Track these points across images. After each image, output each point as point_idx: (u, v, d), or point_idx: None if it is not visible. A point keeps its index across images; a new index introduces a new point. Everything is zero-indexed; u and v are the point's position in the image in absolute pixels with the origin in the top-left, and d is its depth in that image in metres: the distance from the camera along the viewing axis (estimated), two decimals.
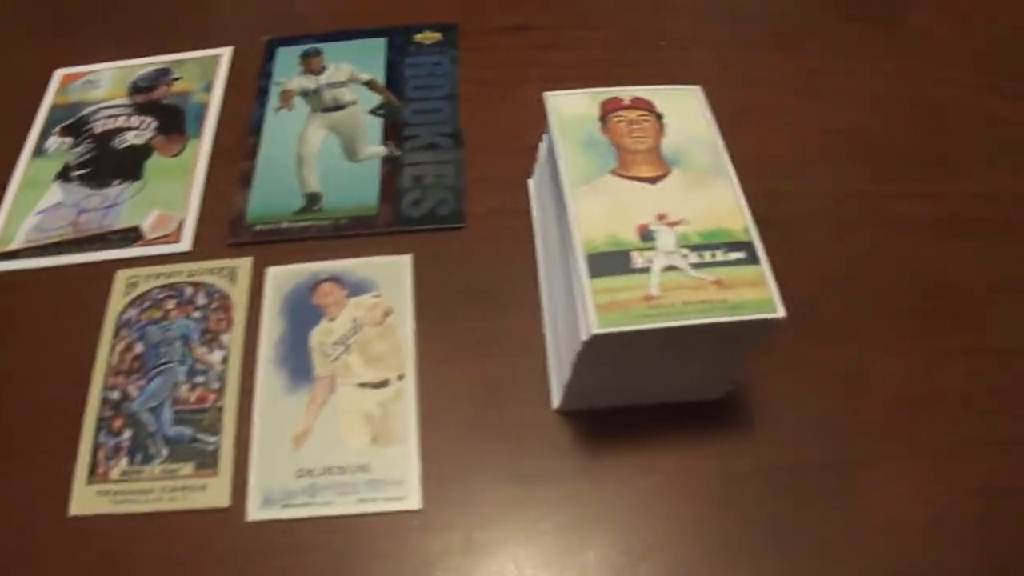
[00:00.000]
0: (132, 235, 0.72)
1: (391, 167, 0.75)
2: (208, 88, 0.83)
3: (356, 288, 0.68)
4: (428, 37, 0.86)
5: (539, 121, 0.63)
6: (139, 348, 0.66)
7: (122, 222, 0.73)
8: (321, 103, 0.81)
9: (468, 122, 0.79)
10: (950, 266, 0.69)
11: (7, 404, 0.64)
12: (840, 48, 0.86)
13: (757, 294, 0.52)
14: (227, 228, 0.72)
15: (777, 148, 0.75)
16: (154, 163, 0.77)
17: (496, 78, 0.83)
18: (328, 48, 0.85)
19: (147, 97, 0.83)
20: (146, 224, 0.73)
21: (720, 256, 0.54)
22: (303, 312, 0.67)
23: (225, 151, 0.78)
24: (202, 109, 0.81)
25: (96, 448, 0.61)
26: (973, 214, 0.73)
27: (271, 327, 0.66)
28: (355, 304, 0.67)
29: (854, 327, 0.66)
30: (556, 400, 0.62)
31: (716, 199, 0.56)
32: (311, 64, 0.84)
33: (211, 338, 0.66)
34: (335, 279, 0.68)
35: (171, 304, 0.68)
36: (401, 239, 0.71)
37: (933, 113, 0.80)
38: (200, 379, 0.64)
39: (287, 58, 0.85)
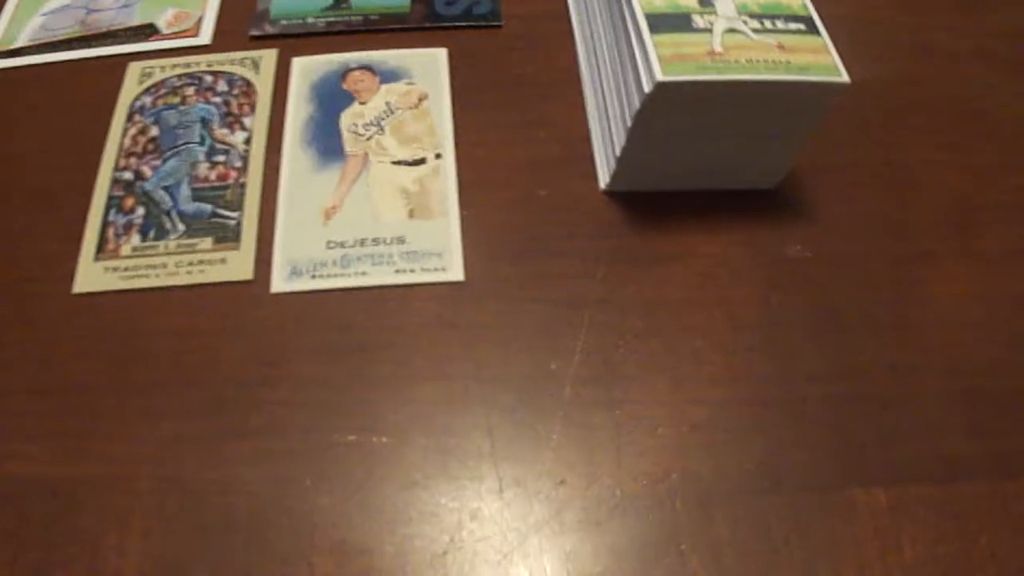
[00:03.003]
0: (146, 31, 0.68)
1: None
2: None
3: (388, 76, 0.64)
4: None
5: None
6: (154, 131, 0.61)
7: (135, 20, 0.69)
8: None
9: None
10: (984, 94, 0.67)
11: (11, 190, 0.60)
12: None
13: (821, 60, 0.51)
14: (249, 24, 0.68)
15: None
16: None
17: None
18: None
19: None
20: (161, 20, 0.68)
21: (780, 25, 0.53)
22: (332, 96, 0.63)
23: None
24: None
25: (105, 226, 0.57)
26: (1004, 50, 0.71)
27: (297, 110, 0.62)
28: (388, 90, 0.63)
29: (896, 136, 0.64)
30: (603, 181, 0.59)
31: None
32: None
33: (233, 120, 0.62)
34: (367, 67, 0.64)
35: (189, 90, 0.63)
36: (435, 36, 0.67)
37: None
38: (221, 158, 0.60)
39: None
